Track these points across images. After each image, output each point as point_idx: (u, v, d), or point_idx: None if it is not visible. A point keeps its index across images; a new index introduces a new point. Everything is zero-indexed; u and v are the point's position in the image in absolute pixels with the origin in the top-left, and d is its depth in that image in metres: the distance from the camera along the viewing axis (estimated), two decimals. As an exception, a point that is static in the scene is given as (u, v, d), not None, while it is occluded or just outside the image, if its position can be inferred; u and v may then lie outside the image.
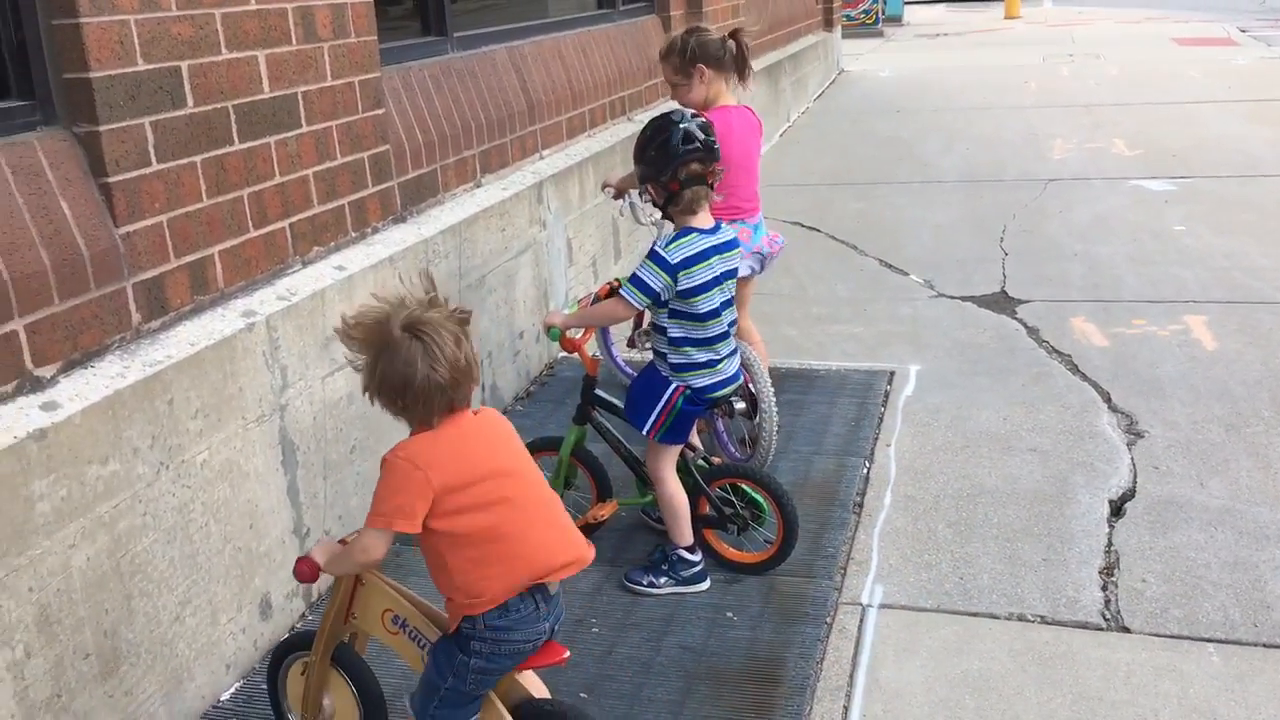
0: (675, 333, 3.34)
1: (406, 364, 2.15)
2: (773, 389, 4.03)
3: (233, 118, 3.17)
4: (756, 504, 3.48)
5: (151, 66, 2.86)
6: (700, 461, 3.59)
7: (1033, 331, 5.47)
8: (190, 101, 3.00)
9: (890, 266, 6.66)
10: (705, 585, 3.45)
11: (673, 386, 3.36)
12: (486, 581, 2.24)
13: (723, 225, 3.39)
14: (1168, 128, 10.30)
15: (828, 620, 3.27)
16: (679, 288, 3.24)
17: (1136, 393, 4.70)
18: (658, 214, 4.32)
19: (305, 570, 2.39)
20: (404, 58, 4.40)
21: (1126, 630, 3.17)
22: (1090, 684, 2.94)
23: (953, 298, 6.04)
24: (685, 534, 3.46)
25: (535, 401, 4.94)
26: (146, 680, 2.75)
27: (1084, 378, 4.89)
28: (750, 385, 4.00)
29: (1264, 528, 3.63)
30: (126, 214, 2.80)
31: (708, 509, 3.52)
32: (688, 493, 3.48)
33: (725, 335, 3.39)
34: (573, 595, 3.43)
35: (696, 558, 3.46)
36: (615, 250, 6.23)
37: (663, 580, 3.44)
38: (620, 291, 3.32)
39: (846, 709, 2.90)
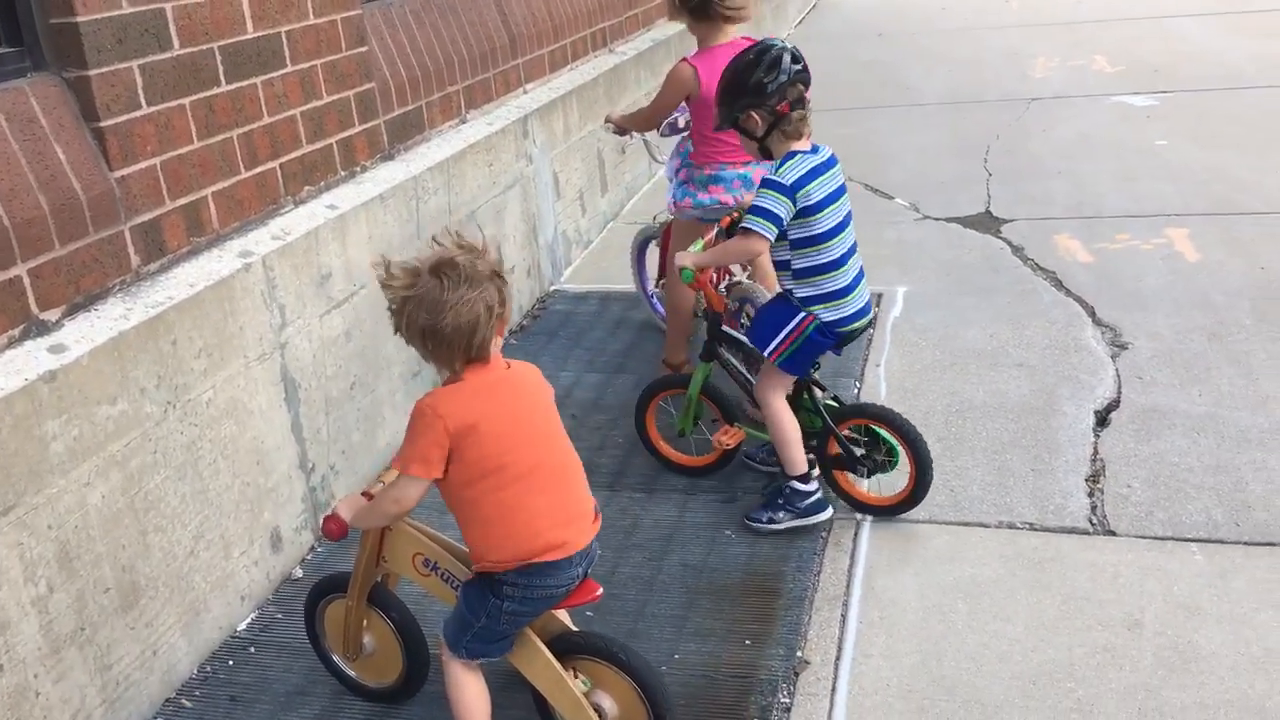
0: (799, 264, 3.21)
1: (430, 306, 2.15)
2: None
3: (219, 59, 3.18)
4: (888, 446, 3.36)
5: (136, 9, 2.86)
6: (830, 401, 3.47)
7: (1017, 250, 5.53)
8: (176, 43, 3.01)
9: (875, 191, 6.69)
10: (828, 514, 3.36)
11: (802, 314, 3.23)
12: (497, 548, 2.26)
13: (821, 147, 3.23)
14: (1150, 43, 10.28)
15: (823, 535, 3.37)
16: (798, 208, 3.11)
17: (1120, 306, 4.78)
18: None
19: (334, 529, 2.41)
20: (384, -6, 4.39)
21: (1113, 534, 3.27)
22: (1078, 585, 3.05)
23: (938, 219, 6.09)
24: (797, 461, 3.33)
25: (528, 335, 4.99)
26: (165, 612, 2.83)
27: (1068, 293, 4.96)
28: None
29: (1245, 431, 3.73)
30: (120, 157, 2.82)
31: (837, 449, 3.41)
32: (817, 434, 3.40)
33: (850, 257, 3.24)
34: (574, 520, 3.52)
35: (812, 487, 3.35)
36: (602, 183, 6.24)
37: (781, 515, 3.35)
38: (745, 225, 3.15)
39: (844, 617, 3.01)
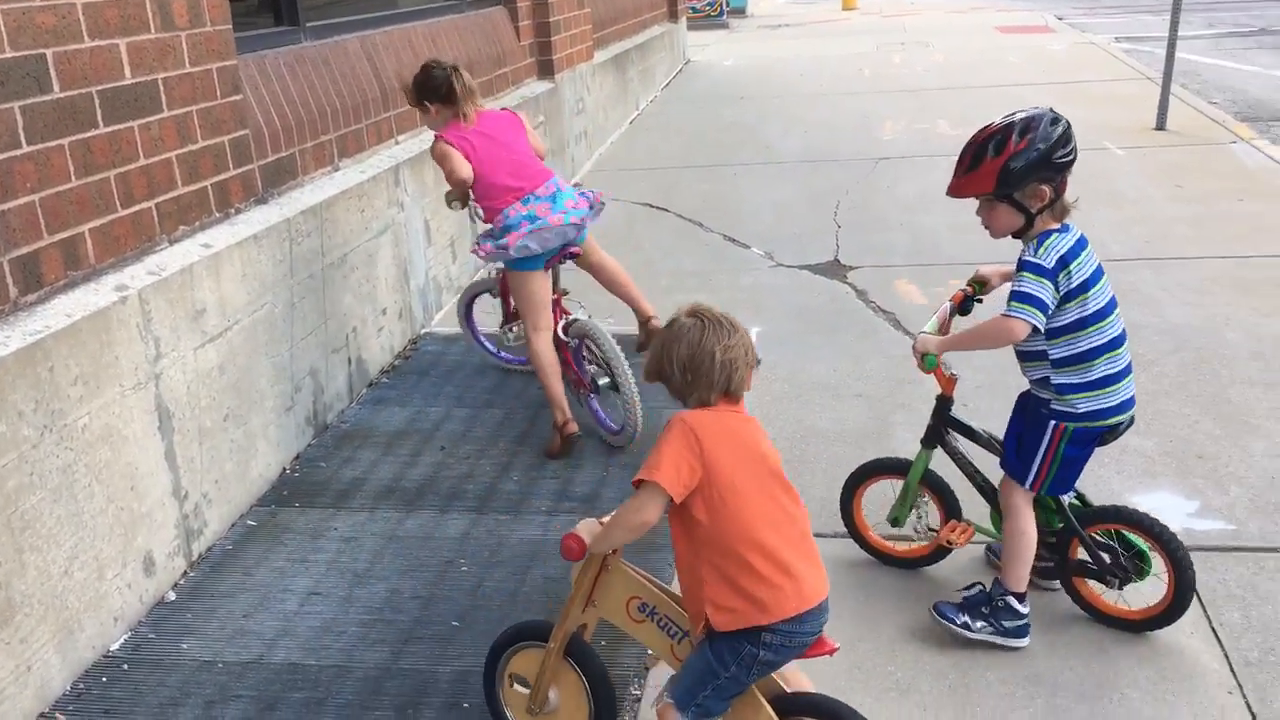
0: (1057, 353, 2.95)
1: (690, 342, 2.33)
2: (623, 357, 4.19)
3: (97, 102, 3.34)
4: (1138, 551, 3.08)
5: (19, 54, 3.02)
6: (1074, 500, 3.17)
7: (861, 294, 5.96)
8: (56, 87, 3.16)
9: (734, 241, 7.09)
10: (1025, 642, 3.06)
11: (1051, 426, 2.99)
12: (765, 601, 2.22)
13: (1071, 225, 2.98)
14: (987, 109, 11.00)
15: (676, 547, 3.62)
16: (1063, 291, 2.88)
17: (951, 343, 5.20)
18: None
19: (574, 547, 2.39)
20: (259, 46, 4.59)
21: (934, 531, 3.60)
22: (900, 581, 3.37)
23: (790, 267, 6.50)
24: (1021, 579, 3.07)
25: (399, 375, 5.17)
26: (40, 630, 2.92)
27: (905, 332, 5.38)
28: (602, 356, 4.29)
29: (1053, 450, 4.14)
30: (0, 194, 2.96)
31: (1080, 554, 3.14)
32: (1056, 534, 3.15)
33: (1123, 342, 2.97)
34: (443, 540, 3.72)
35: (1025, 609, 3.06)
36: (473, 232, 6.47)
37: (979, 625, 3.07)
38: (1008, 313, 2.90)
39: (692, 618, 3.27)
